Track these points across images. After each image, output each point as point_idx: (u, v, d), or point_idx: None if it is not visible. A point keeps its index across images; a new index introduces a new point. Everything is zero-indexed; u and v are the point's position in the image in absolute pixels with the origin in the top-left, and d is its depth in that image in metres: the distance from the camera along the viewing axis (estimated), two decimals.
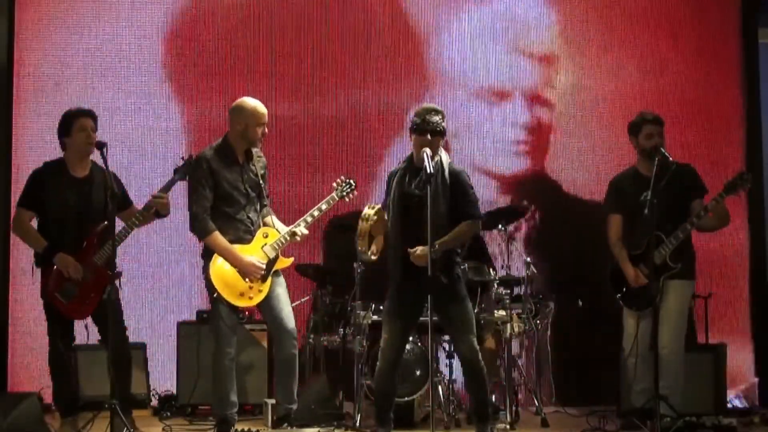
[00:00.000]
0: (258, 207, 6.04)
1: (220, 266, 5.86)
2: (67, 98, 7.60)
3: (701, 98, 7.90)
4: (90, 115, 6.07)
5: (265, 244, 5.94)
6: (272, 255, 5.94)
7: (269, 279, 5.92)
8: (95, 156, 5.97)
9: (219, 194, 5.88)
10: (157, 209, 5.98)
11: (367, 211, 5.60)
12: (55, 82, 7.75)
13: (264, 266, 5.88)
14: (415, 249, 5.46)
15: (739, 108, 7.87)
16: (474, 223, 5.64)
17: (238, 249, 5.87)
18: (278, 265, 5.99)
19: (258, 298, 5.91)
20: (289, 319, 5.96)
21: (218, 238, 5.84)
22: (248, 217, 5.97)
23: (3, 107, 7.71)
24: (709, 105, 7.91)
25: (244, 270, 5.85)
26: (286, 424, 5.97)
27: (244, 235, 5.93)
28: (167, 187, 5.94)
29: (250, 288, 5.88)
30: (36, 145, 7.57)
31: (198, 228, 5.87)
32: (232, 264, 5.84)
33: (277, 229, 6.05)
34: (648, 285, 6.08)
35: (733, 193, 6.04)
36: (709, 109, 7.90)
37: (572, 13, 8.03)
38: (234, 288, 5.86)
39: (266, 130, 6.04)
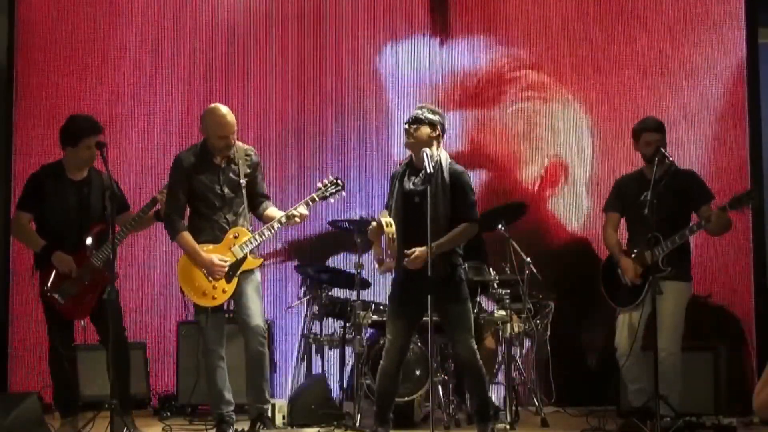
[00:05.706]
0: (237, 208, 5.94)
1: (183, 265, 5.87)
2: (67, 98, 7.61)
3: (703, 98, 7.88)
4: (100, 132, 5.99)
5: (234, 245, 5.90)
6: (240, 255, 5.87)
7: (235, 279, 5.86)
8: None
9: (195, 195, 5.87)
10: (157, 210, 5.99)
11: (386, 229, 5.48)
12: (55, 82, 7.75)
13: (225, 264, 5.84)
14: (412, 251, 5.44)
15: (741, 108, 7.85)
16: (471, 226, 5.58)
17: (208, 249, 5.85)
18: (247, 266, 5.90)
19: (222, 298, 5.85)
20: (254, 316, 5.84)
21: (186, 237, 5.83)
22: (224, 218, 5.90)
23: (3, 107, 7.71)
24: (711, 106, 7.88)
25: (206, 269, 5.82)
26: (260, 424, 5.84)
27: (219, 235, 5.90)
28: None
29: (214, 288, 5.83)
30: (36, 145, 7.58)
31: (168, 228, 5.88)
32: (194, 263, 5.83)
33: (249, 233, 5.91)
34: (635, 284, 6.15)
35: (737, 209, 6.02)
36: (711, 109, 7.88)
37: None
38: (196, 287, 5.83)
39: (232, 141, 5.87)
